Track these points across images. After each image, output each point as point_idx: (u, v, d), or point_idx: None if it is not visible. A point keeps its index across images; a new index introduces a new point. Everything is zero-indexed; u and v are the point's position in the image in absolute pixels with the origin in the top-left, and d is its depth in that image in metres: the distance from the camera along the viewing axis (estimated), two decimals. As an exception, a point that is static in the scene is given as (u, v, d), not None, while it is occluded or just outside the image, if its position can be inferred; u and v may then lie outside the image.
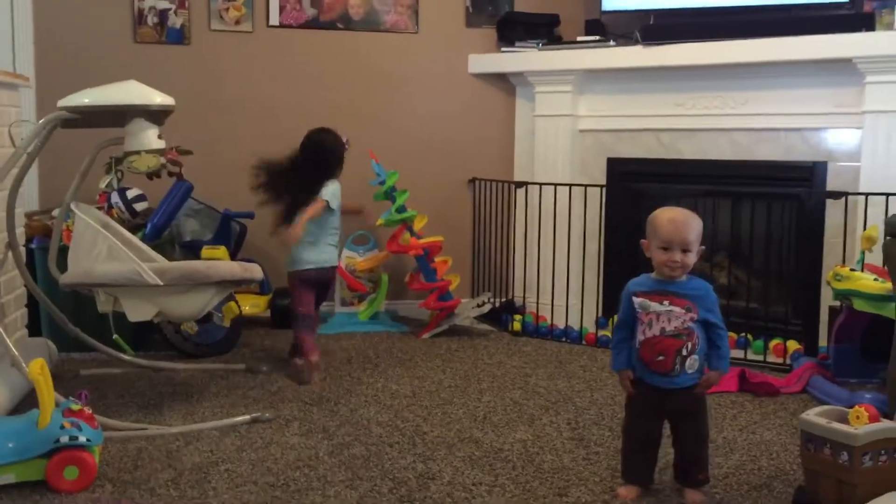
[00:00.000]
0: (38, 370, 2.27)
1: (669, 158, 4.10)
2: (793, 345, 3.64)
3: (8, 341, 2.57)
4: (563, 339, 4.07)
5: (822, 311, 3.63)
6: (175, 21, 4.20)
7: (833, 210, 3.61)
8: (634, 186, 4.15)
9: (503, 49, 4.44)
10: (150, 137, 2.89)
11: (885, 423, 2.11)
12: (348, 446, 2.64)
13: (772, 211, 3.75)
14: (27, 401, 2.83)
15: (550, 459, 2.55)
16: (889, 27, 3.47)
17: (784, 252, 3.84)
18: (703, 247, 2.21)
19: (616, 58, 4.12)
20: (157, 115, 2.92)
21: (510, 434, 2.76)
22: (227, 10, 4.26)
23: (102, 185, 3.64)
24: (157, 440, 2.66)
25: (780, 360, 3.62)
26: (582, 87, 4.29)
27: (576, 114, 4.31)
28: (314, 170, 3.43)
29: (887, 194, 3.36)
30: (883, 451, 2.08)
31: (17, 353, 2.52)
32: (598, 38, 4.22)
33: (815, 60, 3.61)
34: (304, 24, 4.35)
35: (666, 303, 2.16)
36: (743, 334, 3.78)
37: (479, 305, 4.23)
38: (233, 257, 3.96)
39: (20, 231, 3.31)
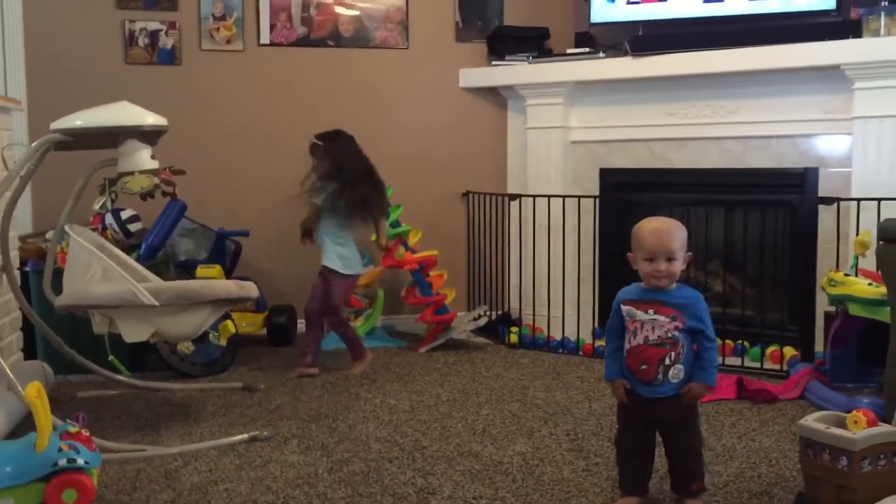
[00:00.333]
0: (35, 393, 2.26)
1: (661, 168, 4.13)
2: (789, 351, 3.65)
3: (4, 365, 2.56)
4: (560, 351, 4.07)
5: (818, 316, 3.65)
6: (166, 42, 4.21)
7: (826, 216, 3.63)
8: (627, 196, 4.17)
9: (494, 63, 4.47)
10: (143, 158, 2.89)
11: (883, 428, 2.12)
12: (347, 463, 2.63)
13: (765, 218, 3.76)
14: (24, 424, 2.82)
15: (550, 471, 2.55)
16: (876, 34, 3.50)
17: (778, 259, 3.85)
18: (690, 253, 2.21)
19: (606, 69, 4.14)
20: (149, 136, 2.92)
21: (509, 447, 2.76)
22: (218, 29, 4.27)
23: (96, 207, 3.63)
24: (156, 461, 2.64)
25: (777, 367, 3.62)
26: (573, 98, 4.31)
27: (567, 125, 4.33)
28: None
29: (879, 199, 3.38)
30: (882, 456, 2.09)
31: (13, 376, 2.51)
32: (587, 50, 4.25)
33: (803, 68, 3.64)
34: (295, 42, 4.37)
35: (651, 311, 2.16)
36: (740, 342, 3.78)
37: (475, 318, 4.23)
38: (228, 276, 3.96)
39: (14, 254, 3.30)
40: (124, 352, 3.25)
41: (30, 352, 3.50)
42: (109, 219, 3.75)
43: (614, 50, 4.20)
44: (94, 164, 3.10)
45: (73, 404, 3.20)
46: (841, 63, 3.51)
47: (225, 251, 4.13)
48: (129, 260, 3.21)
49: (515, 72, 4.38)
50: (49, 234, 3.49)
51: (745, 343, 3.79)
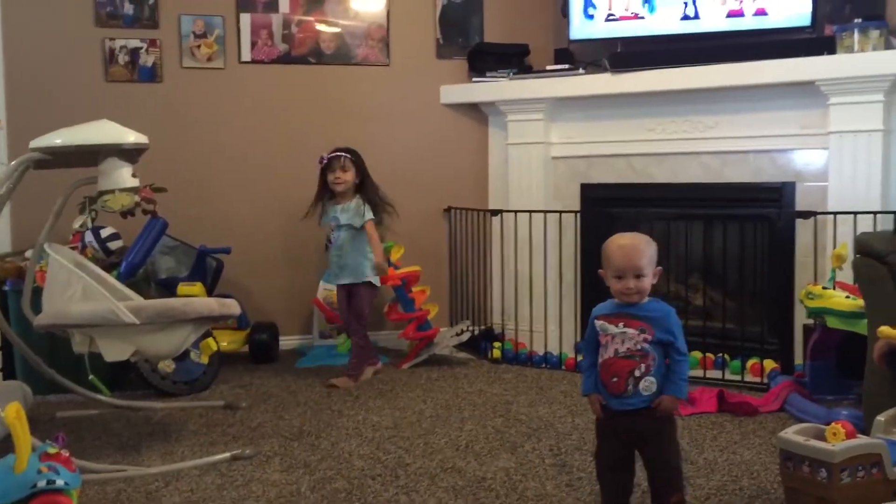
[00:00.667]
0: (14, 414, 2.24)
1: (641, 183, 4.16)
2: (769, 364, 3.67)
3: (-18, 386, 2.54)
4: (543, 366, 4.08)
5: (797, 329, 3.68)
6: (146, 59, 4.21)
7: (803, 229, 3.67)
8: (608, 211, 4.19)
9: (474, 79, 4.49)
10: (123, 176, 2.89)
11: (861, 439, 2.13)
12: (330, 481, 2.62)
13: (744, 232, 3.80)
14: (3, 446, 2.79)
15: (534, 486, 2.55)
16: (849, 50, 3.55)
17: (757, 272, 3.88)
18: (660, 268, 2.23)
19: (586, 85, 4.18)
20: (130, 154, 2.92)
21: (493, 462, 2.76)
22: (199, 47, 4.27)
23: (76, 225, 3.61)
24: (136, 481, 2.62)
25: (757, 380, 3.65)
26: (553, 114, 4.34)
27: (548, 141, 4.36)
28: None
29: (855, 213, 3.42)
30: (860, 467, 2.10)
31: (-9, 397, 2.49)
32: (567, 66, 4.28)
33: (779, 84, 3.69)
34: (276, 59, 4.37)
35: (621, 325, 2.18)
36: (720, 354, 3.81)
37: (457, 334, 4.23)
38: (210, 293, 3.94)
39: (-7, 273, 3.28)
40: (105, 371, 3.22)
41: (8, 372, 3.47)
42: (89, 237, 3.73)
43: (594, 66, 4.24)
44: (74, 182, 3.09)
45: (53, 424, 3.17)
46: (816, 79, 3.57)
47: (206, 269, 4.11)
48: (110, 278, 3.19)
49: (496, 88, 4.41)
50: (28, 253, 3.47)
51: (726, 356, 3.82)
